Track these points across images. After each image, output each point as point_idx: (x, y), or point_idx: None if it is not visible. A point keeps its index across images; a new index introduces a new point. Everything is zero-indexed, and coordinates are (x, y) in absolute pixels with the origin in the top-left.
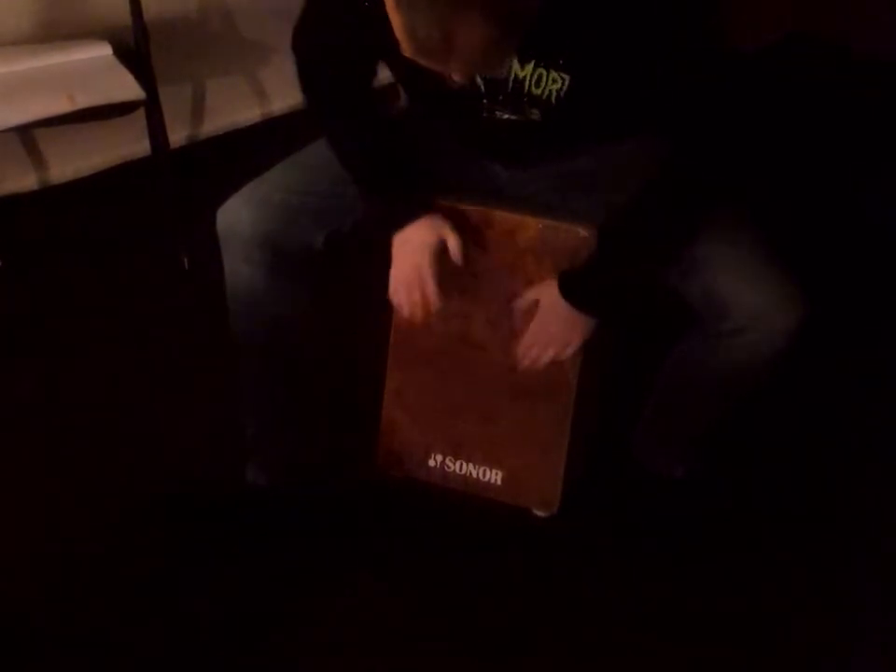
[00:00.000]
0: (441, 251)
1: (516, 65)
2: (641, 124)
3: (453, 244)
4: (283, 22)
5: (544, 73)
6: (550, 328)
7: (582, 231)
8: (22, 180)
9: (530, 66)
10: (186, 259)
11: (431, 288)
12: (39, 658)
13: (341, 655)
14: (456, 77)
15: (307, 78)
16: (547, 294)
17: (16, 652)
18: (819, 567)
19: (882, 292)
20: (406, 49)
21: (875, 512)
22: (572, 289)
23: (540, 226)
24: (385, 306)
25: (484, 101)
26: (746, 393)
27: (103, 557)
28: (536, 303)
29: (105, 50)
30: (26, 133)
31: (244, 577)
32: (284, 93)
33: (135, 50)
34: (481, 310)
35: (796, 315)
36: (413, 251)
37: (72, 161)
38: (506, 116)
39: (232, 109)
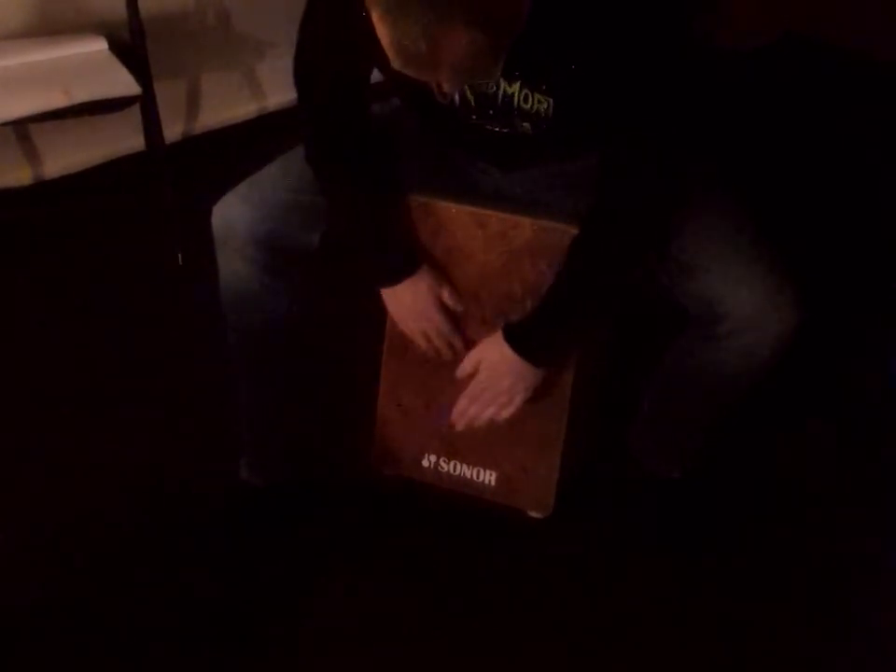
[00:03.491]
0: (442, 306)
1: (504, 83)
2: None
3: (447, 297)
4: (279, 18)
5: (530, 94)
6: (495, 383)
7: (577, 232)
8: (16, 175)
9: (517, 85)
10: (180, 255)
11: (458, 343)
12: (31, 652)
13: (335, 654)
14: (446, 89)
15: (307, 113)
16: (491, 350)
17: (10, 647)
18: (817, 567)
19: (879, 293)
20: (394, 62)
21: (874, 512)
22: (519, 339)
23: (535, 227)
24: (379, 306)
25: (474, 116)
26: (742, 394)
27: (96, 554)
28: (476, 365)
29: (100, 45)
30: (21, 128)
31: (236, 575)
32: (280, 89)
33: (131, 45)
34: (476, 311)
35: (793, 316)
36: (418, 316)
37: (66, 156)
38: (497, 128)
39: (228, 105)
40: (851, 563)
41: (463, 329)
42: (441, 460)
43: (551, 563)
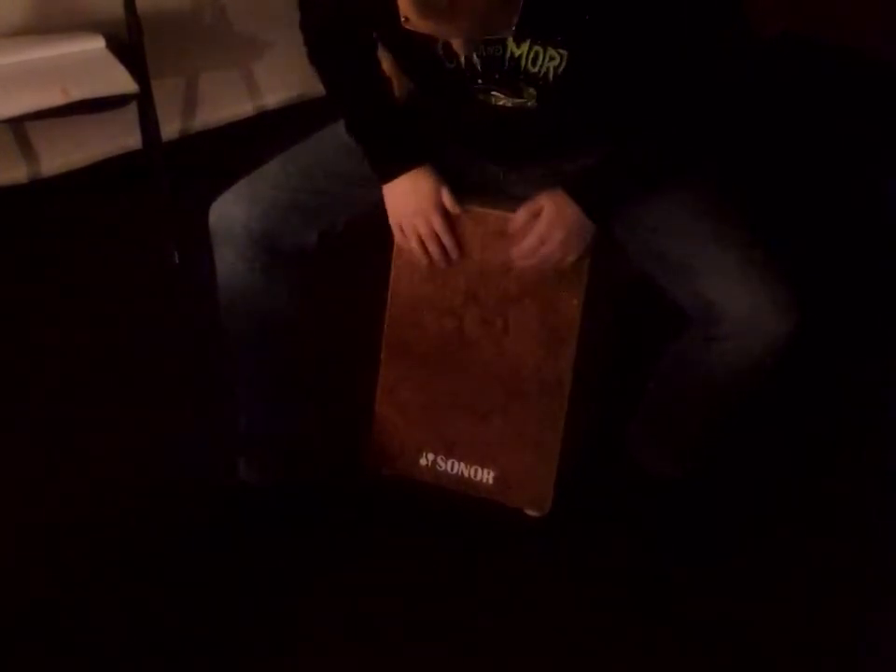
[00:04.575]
0: (441, 207)
1: (511, 43)
2: (636, 118)
3: (446, 197)
4: (277, 16)
5: (541, 51)
6: (553, 232)
7: None
8: (13, 173)
9: (526, 45)
10: (177, 254)
11: (450, 242)
12: (31, 652)
13: (335, 653)
14: (457, 48)
15: (314, 36)
16: (553, 199)
17: (10, 647)
18: (817, 567)
19: (879, 295)
20: (411, 13)
21: (874, 513)
22: (579, 188)
23: None
24: (378, 305)
25: (479, 80)
26: (740, 396)
27: (95, 554)
28: (538, 212)
29: (98, 43)
30: (18, 126)
31: (235, 574)
32: (277, 87)
33: (128, 43)
34: (474, 309)
35: (791, 318)
36: (416, 212)
37: (63, 154)
38: (501, 101)
39: (225, 103)
40: (851, 563)
41: (461, 328)
42: (440, 459)
43: (550, 563)
